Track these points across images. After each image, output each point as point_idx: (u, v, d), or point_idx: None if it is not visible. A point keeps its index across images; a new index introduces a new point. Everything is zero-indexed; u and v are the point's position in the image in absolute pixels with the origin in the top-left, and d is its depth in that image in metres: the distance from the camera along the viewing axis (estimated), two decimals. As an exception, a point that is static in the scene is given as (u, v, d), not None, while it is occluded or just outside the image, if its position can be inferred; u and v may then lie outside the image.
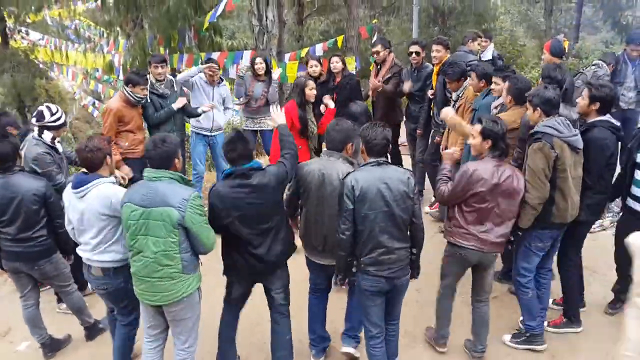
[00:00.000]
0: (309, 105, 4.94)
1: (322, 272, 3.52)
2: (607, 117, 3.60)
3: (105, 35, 12.52)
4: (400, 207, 2.99)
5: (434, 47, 5.46)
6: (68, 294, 3.92)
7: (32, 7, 11.78)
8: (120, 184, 3.93)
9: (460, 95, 4.97)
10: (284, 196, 3.42)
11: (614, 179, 3.80)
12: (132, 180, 4.74)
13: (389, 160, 3.18)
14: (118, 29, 11.62)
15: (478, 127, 3.31)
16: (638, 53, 5.90)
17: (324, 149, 3.45)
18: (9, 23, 13.64)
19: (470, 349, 3.69)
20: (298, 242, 3.44)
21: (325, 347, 3.73)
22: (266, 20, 9.65)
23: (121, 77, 10.70)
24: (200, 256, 3.09)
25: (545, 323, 3.87)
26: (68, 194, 3.20)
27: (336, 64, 5.81)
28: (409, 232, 3.13)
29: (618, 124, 3.64)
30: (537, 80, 7.85)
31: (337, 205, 3.09)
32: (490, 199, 3.26)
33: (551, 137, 3.33)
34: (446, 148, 5.05)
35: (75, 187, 3.13)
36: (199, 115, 5.66)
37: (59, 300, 4.34)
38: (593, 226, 4.47)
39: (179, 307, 3.03)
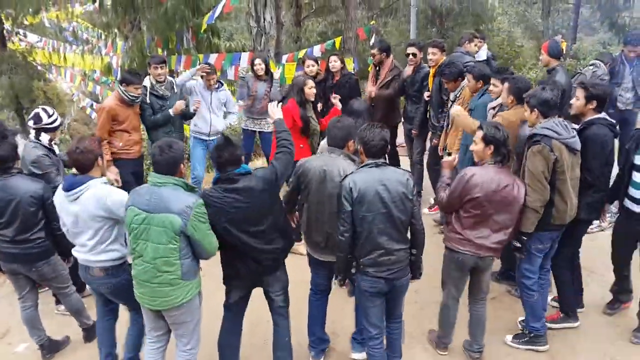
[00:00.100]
0: (309, 103, 4.95)
1: (323, 269, 3.52)
2: (603, 114, 3.62)
3: (103, 37, 12.54)
4: (398, 208, 2.98)
5: (430, 50, 5.48)
6: (66, 295, 3.91)
7: (30, 9, 11.81)
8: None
9: (458, 95, 4.98)
10: (283, 192, 3.41)
11: (611, 182, 3.81)
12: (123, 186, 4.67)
13: (387, 162, 3.18)
14: (116, 30, 11.63)
15: (480, 133, 3.30)
16: (635, 54, 5.90)
17: (322, 145, 3.42)
18: (7, 25, 13.66)
19: (468, 349, 3.70)
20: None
21: (324, 348, 3.73)
22: (264, 22, 9.67)
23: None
24: (199, 261, 3.08)
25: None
26: (59, 197, 3.17)
27: (335, 62, 5.81)
28: (409, 234, 3.13)
29: (613, 121, 3.67)
30: (534, 81, 7.88)
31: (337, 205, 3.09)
32: (487, 205, 3.25)
33: (550, 140, 3.33)
34: (444, 149, 5.09)
35: (67, 189, 3.09)
36: (193, 115, 5.67)
37: (58, 302, 4.32)
38: (591, 227, 4.47)
39: (179, 311, 3.02)
